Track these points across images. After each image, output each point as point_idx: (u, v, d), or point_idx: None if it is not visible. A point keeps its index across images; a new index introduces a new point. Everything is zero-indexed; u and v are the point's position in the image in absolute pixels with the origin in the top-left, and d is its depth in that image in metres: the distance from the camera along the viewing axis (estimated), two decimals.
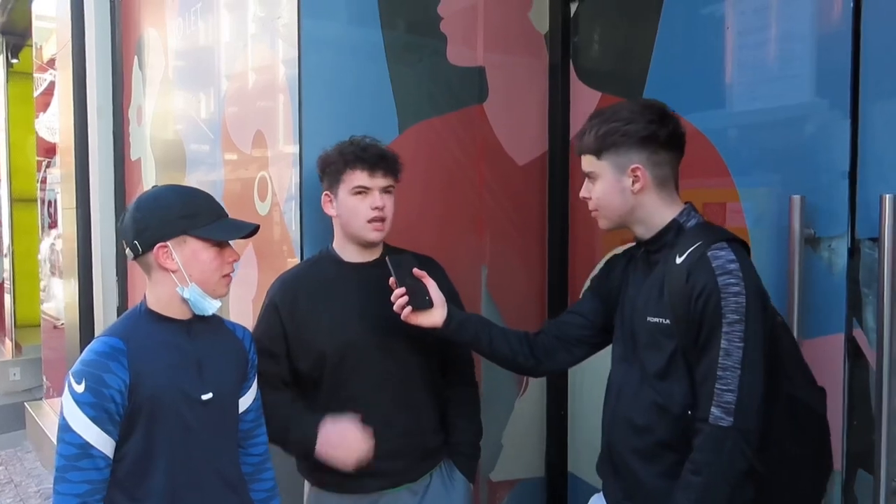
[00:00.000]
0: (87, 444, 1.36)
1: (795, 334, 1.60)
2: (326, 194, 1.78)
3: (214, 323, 1.57)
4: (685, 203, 1.48)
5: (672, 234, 1.43)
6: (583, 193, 1.52)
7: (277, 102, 2.17)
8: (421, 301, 1.59)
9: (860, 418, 1.56)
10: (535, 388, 2.37)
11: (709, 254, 1.34)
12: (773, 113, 1.74)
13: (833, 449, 1.59)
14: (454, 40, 2.18)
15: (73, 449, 1.36)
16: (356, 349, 1.72)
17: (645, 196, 1.44)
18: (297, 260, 2.01)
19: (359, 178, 1.70)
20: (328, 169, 1.75)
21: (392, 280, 1.60)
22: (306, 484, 1.84)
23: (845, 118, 1.56)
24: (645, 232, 1.47)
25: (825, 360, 1.61)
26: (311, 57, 2.00)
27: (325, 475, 1.76)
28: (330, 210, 1.78)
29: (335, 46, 2.04)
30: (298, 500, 1.89)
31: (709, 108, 1.87)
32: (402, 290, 1.58)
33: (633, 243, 1.57)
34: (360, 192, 1.71)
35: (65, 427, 1.37)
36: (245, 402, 1.62)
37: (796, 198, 1.60)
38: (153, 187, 1.56)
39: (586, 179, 1.50)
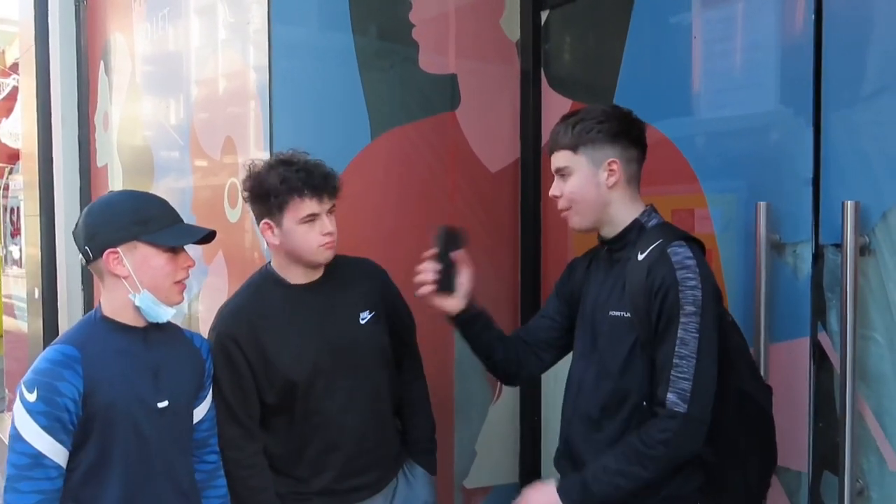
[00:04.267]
0: (40, 453, 1.33)
1: (762, 339, 1.63)
2: (266, 223, 1.63)
3: (171, 331, 1.55)
4: (647, 204, 1.53)
5: (634, 233, 1.49)
6: (553, 191, 1.55)
7: (248, 109, 2.15)
8: (446, 283, 1.57)
9: (825, 421, 1.59)
10: (509, 394, 2.38)
11: (668, 250, 1.41)
12: (740, 121, 1.77)
13: (799, 451, 1.62)
14: (426, 47, 2.19)
15: (25, 458, 1.33)
16: (323, 372, 1.67)
17: (616, 192, 1.50)
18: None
19: (308, 206, 1.59)
20: (269, 198, 1.60)
21: (432, 252, 1.57)
22: None
23: (808, 126, 1.60)
24: (611, 231, 1.53)
25: (791, 363, 1.64)
26: (281, 63, 1.99)
27: (302, 499, 1.73)
28: (272, 239, 1.64)
29: (306, 52, 2.03)
30: None
31: (677, 116, 1.90)
32: (436, 267, 1.56)
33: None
34: (309, 221, 1.60)
35: (16, 436, 1.34)
36: (200, 411, 1.60)
37: (762, 204, 1.63)
38: (108, 192, 1.54)
39: (557, 177, 1.54)
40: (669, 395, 1.36)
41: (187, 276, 1.49)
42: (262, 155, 2.05)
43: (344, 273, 1.76)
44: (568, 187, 1.51)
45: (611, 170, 1.48)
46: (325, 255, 1.67)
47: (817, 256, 1.59)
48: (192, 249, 1.53)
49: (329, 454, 1.71)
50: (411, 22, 2.16)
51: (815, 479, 1.61)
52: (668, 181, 1.91)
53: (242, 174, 2.15)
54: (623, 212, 1.51)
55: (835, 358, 1.56)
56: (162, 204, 1.48)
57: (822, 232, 1.58)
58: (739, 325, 1.65)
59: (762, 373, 1.63)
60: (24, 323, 4.58)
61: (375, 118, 2.10)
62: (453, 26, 2.24)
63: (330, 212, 1.65)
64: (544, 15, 2.29)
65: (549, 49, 2.29)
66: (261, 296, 1.70)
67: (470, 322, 1.63)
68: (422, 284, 1.57)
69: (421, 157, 2.20)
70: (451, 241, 1.59)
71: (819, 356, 1.60)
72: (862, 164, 1.52)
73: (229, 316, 1.69)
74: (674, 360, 1.36)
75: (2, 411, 5.33)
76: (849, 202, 1.48)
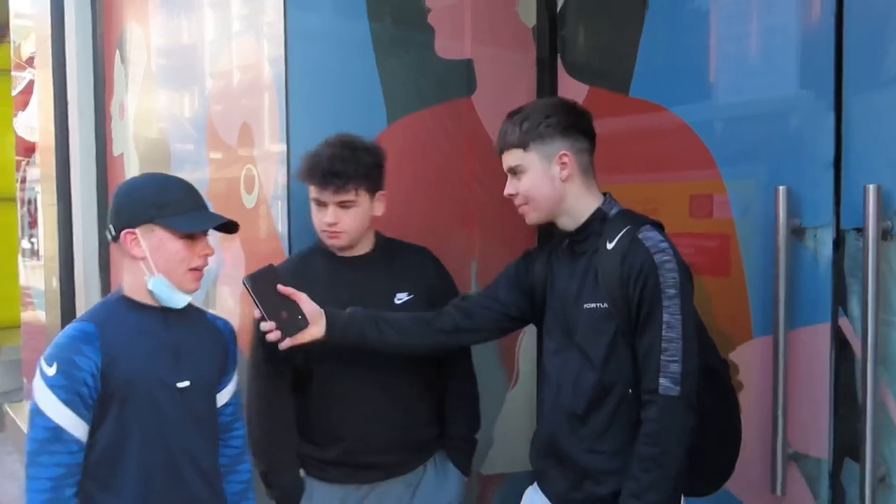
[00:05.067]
0: (59, 427, 1.34)
1: (781, 324, 1.62)
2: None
3: (194, 313, 1.56)
4: (604, 193, 1.55)
5: (598, 223, 1.51)
6: (508, 190, 1.55)
7: (264, 97, 2.15)
8: (294, 325, 1.52)
9: (846, 407, 1.57)
10: (526, 380, 2.37)
11: (639, 236, 1.42)
12: (759, 105, 1.75)
13: (819, 438, 1.61)
14: (442, 33, 2.18)
15: (45, 433, 1.34)
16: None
17: (571, 184, 1.51)
18: (285, 256, 1.99)
19: (313, 190, 1.70)
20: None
21: (257, 314, 1.52)
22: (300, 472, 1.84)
23: (829, 109, 1.58)
24: (570, 222, 1.53)
25: (812, 349, 1.62)
26: (297, 50, 1.99)
27: (318, 465, 1.77)
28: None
29: (322, 40, 2.02)
30: None
31: (695, 101, 1.88)
32: (272, 324, 1.50)
33: None
34: (316, 204, 1.70)
35: (36, 411, 1.35)
36: (224, 395, 1.62)
37: (782, 188, 1.61)
38: (146, 173, 1.55)
39: (509, 177, 1.55)
40: (662, 381, 1.37)
41: (205, 265, 1.49)
42: (277, 147, 2.05)
43: (391, 254, 1.82)
44: (522, 185, 1.52)
45: (563, 163, 1.49)
46: (329, 241, 1.72)
47: (838, 241, 1.57)
48: (210, 237, 1.53)
49: (343, 425, 1.74)
50: (427, 7, 2.15)
51: (835, 467, 1.60)
52: (687, 167, 1.90)
53: (260, 164, 2.17)
54: (581, 203, 1.52)
55: (856, 344, 1.54)
56: (185, 189, 1.49)
57: (843, 216, 1.57)
58: (760, 311, 1.65)
59: (781, 359, 1.62)
60: (42, 313, 4.63)
61: (391, 104, 2.09)
62: (469, 12, 2.23)
63: (343, 206, 1.68)
64: (560, 1, 2.27)
65: (565, 35, 2.27)
66: (304, 263, 1.79)
67: (346, 329, 1.59)
68: (278, 341, 1.53)
69: (437, 143, 2.20)
70: (264, 285, 1.52)
71: (840, 342, 1.58)
72: (884, 148, 1.50)
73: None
74: (662, 345, 1.37)
75: (20, 401, 5.40)
76: (871, 186, 1.46)
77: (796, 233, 1.63)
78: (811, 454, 1.64)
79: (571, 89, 2.23)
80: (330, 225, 1.69)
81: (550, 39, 2.28)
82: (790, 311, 1.62)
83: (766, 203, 1.69)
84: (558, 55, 2.28)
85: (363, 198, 1.70)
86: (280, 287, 1.53)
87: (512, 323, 1.68)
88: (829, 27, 1.58)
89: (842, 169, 1.57)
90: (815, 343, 1.62)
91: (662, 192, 1.96)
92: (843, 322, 1.58)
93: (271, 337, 1.52)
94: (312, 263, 1.78)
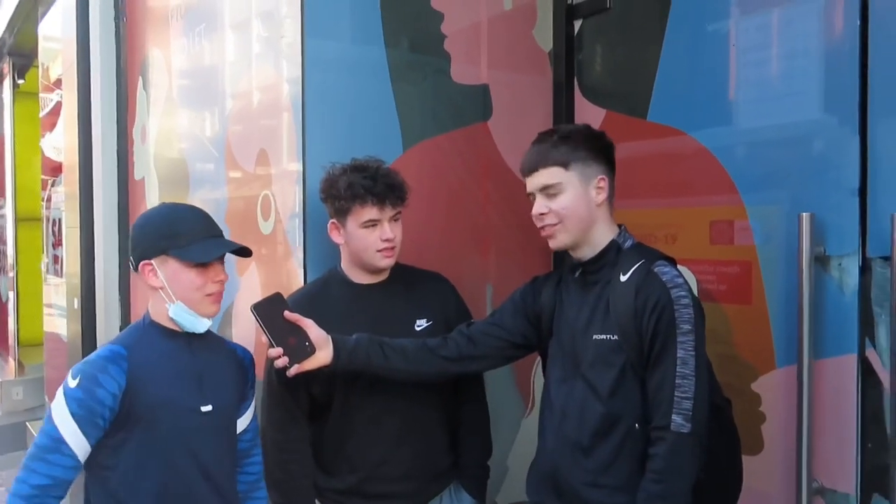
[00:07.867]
0: (62, 438, 1.36)
1: (806, 355, 1.58)
2: (333, 223, 1.75)
3: (214, 340, 1.60)
4: (619, 225, 1.55)
5: (612, 254, 1.49)
6: (539, 209, 1.51)
7: (281, 121, 2.17)
8: (302, 352, 1.52)
9: (874, 440, 1.53)
10: None
11: (655, 270, 1.41)
12: (782, 130, 1.72)
13: (846, 472, 1.56)
14: (458, 58, 2.18)
15: (48, 440, 1.37)
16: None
17: (601, 211, 1.50)
18: (300, 280, 1.99)
19: (369, 212, 1.67)
20: (336, 202, 1.70)
21: (265, 340, 1.53)
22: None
23: (854, 135, 1.55)
24: (589, 252, 1.51)
25: (837, 381, 1.58)
26: (314, 76, 2.00)
27: (334, 496, 1.75)
28: (337, 238, 1.75)
29: (339, 65, 2.03)
30: None
31: (715, 126, 1.86)
32: (279, 350, 1.50)
33: None
34: (370, 226, 1.68)
35: (48, 417, 1.39)
36: (243, 422, 1.63)
37: (806, 215, 1.58)
38: (161, 204, 1.58)
39: (540, 196, 1.51)
40: (674, 418, 1.34)
41: (220, 290, 1.51)
42: (294, 167, 2.06)
43: (409, 280, 1.81)
44: (558, 204, 1.48)
45: (600, 187, 1.49)
46: (384, 262, 1.71)
47: (864, 269, 1.54)
48: (227, 261, 1.54)
49: (361, 454, 1.72)
50: (443, 33, 2.16)
51: (863, 502, 1.55)
52: (707, 192, 1.87)
53: (276, 185, 2.18)
54: (603, 231, 1.51)
55: (884, 375, 1.50)
56: (196, 219, 1.51)
57: (869, 244, 1.53)
58: (783, 340, 1.61)
59: (806, 390, 1.58)
60: (63, 332, 4.68)
61: (407, 130, 2.09)
62: (485, 37, 2.23)
63: (394, 219, 1.71)
64: (577, 24, 2.27)
65: (582, 59, 2.27)
66: (323, 291, 1.77)
67: (352, 355, 1.57)
68: (285, 368, 1.53)
69: (453, 169, 2.19)
70: (271, 312, 1.53)
71: (867, 373, 1.54)
72: None
73: (290, 305, 1.73)
74: (676, 381, 1.35)
75: (41, 418, 5.44)
76: None
77: (820, 261, 1.60)
78: (838, 489, 1.59)
79: (588, 113, 2.22)
80: (389, 240, 1.69)
81: (567, 63, 2.27)
82: (814, 341, 1.58)
83: (789, 230, 1.66)
84: (575, 79, 2.27)
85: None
86: (287, 314, 1.54)
87: (517, 350, 1.66)
88: (853, 49, 1.55)
89: (867, 196, 1.53)
90: (841, 374, 1.57)
91: (681, 218, 1.93)
92: (871, 353, 1.54)
93: (279, 363, 1.52)
94: (331, 291, 1.77)
